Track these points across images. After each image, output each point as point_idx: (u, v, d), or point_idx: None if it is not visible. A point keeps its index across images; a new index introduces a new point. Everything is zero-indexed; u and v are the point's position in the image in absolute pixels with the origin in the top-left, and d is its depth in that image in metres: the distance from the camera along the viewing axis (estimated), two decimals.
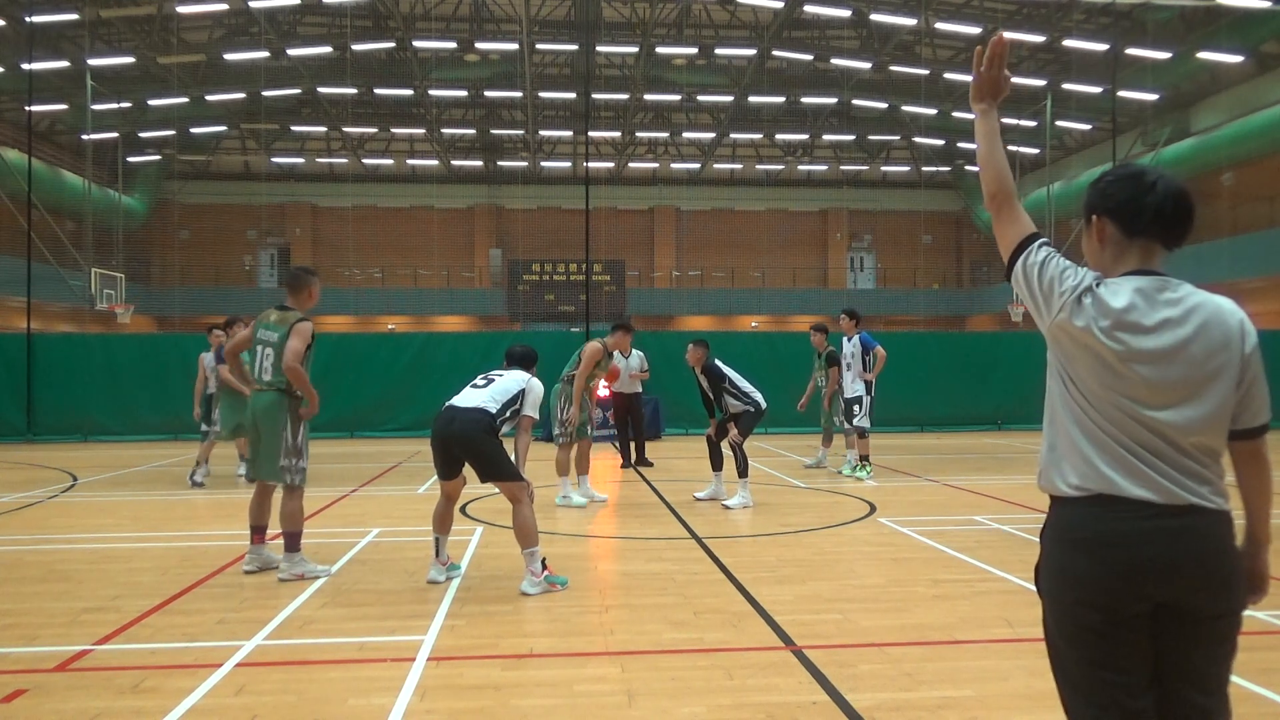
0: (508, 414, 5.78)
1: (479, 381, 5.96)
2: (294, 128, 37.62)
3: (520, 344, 6.49)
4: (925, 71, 30.61)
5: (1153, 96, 28.74)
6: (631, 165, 42.61)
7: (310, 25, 30.93)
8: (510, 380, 5.94)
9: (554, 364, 17.54)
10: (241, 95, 32.72)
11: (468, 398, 5.79)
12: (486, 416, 5.64)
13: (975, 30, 27.48)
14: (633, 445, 12.68)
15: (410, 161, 41.57)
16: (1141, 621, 2.03)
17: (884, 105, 34.47)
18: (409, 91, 33.60)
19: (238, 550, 6.73)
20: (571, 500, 8.99)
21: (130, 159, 33.85)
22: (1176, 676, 2.04)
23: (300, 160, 40.29)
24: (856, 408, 10.85)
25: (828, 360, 11.61)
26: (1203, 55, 26.02)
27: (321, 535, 7.46)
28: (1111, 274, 2.14)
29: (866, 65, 30.72)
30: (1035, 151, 33.56)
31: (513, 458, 5.77)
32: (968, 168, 40.53)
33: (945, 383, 17.81)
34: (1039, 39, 28.14)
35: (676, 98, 34.16)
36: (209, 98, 32.37)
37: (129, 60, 28.53)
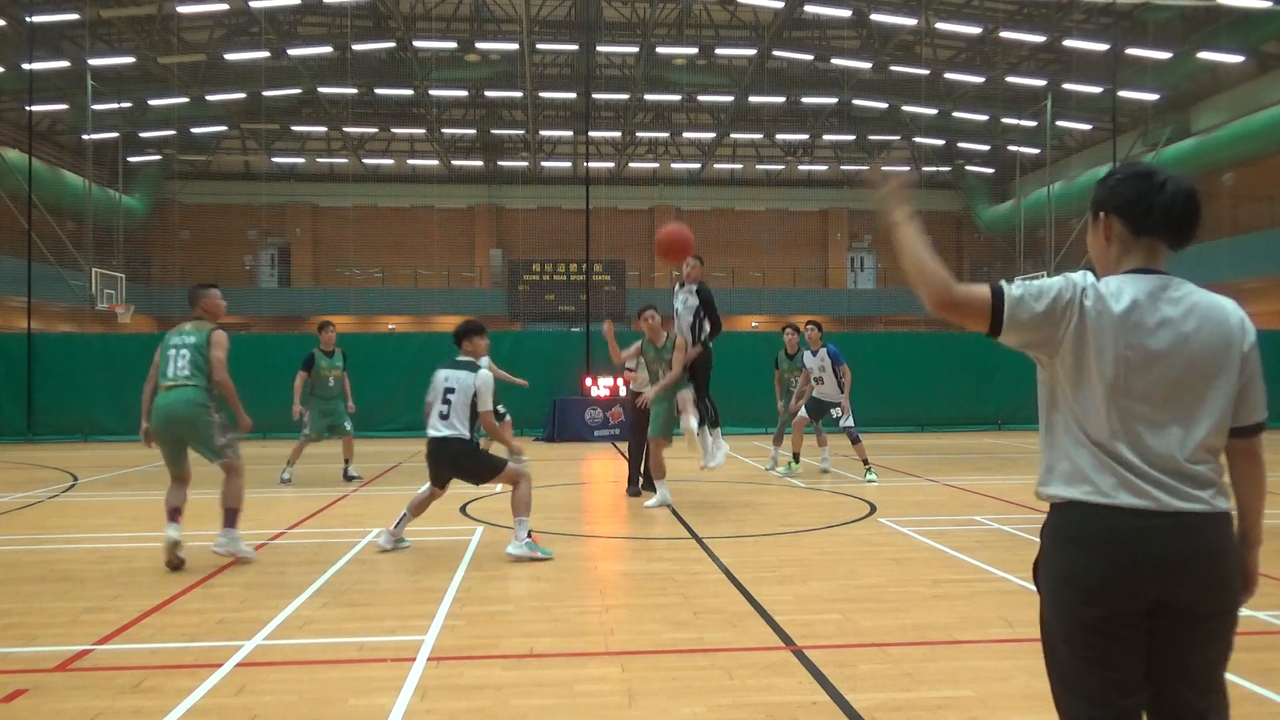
0: (475, 423, 6.46)
1: (442, 409, 6.46)
2: (294, 128, 37.61)
3: (466, 321, 6.93)
4: (925, 71, 30.57)
5: (1153, 96, 28.73)
6: (631, 165, 42.60)
7: (310, 25, 30.94)
8: (462, 391, 6.44)
9: (554, 365, 17.65)
10: (241, 95, 32.72)
11: (441, 427, 6.43)
12: (465, 444, 6.43)
13: (975, 30, 27.47)
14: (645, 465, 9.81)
15: (410, 161, 41.56)
16: (1139, 619, 2.02)
17: (884, 105, 34.45)
18: (409, 91, 33.60)
19: None
20: (660, 498, 8.90)
21: (130, 159, 33.84)
22: (1173, 676, 2.04)
23: (300, 160, 40.28)
24: (836, 411, 10.81)
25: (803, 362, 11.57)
26: (1203, 55, 26.03)
27: (322, 535, 7.47)
28: (1114, 271, 2.13)
29: (866, 65, 30.71)
30: (1035, 151, 33.54)
31: (504, 456, 6.57)
32: (968, 168, 40.52)
33: (945, 383, 17.81)
34: (1039, 39, 28.13)
35: (676, 98, 34.15)
36: (209, 98, 32.37)
37: (129, 60, 28.54)
